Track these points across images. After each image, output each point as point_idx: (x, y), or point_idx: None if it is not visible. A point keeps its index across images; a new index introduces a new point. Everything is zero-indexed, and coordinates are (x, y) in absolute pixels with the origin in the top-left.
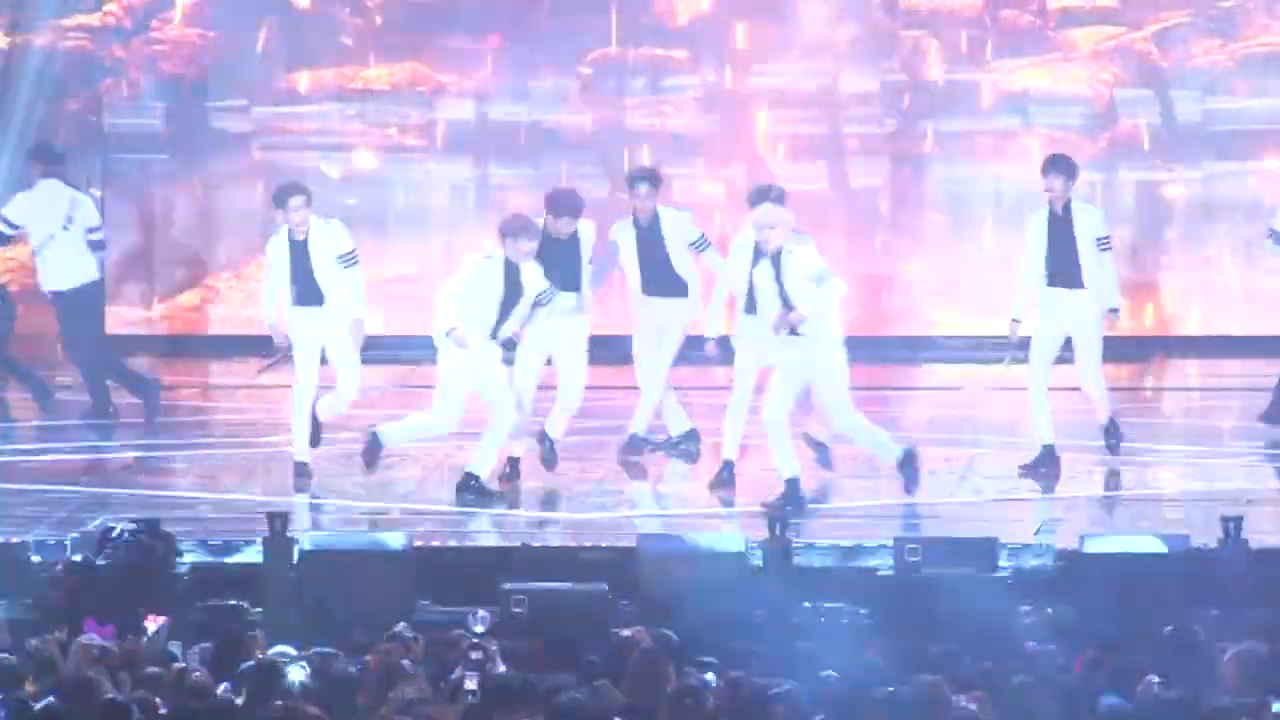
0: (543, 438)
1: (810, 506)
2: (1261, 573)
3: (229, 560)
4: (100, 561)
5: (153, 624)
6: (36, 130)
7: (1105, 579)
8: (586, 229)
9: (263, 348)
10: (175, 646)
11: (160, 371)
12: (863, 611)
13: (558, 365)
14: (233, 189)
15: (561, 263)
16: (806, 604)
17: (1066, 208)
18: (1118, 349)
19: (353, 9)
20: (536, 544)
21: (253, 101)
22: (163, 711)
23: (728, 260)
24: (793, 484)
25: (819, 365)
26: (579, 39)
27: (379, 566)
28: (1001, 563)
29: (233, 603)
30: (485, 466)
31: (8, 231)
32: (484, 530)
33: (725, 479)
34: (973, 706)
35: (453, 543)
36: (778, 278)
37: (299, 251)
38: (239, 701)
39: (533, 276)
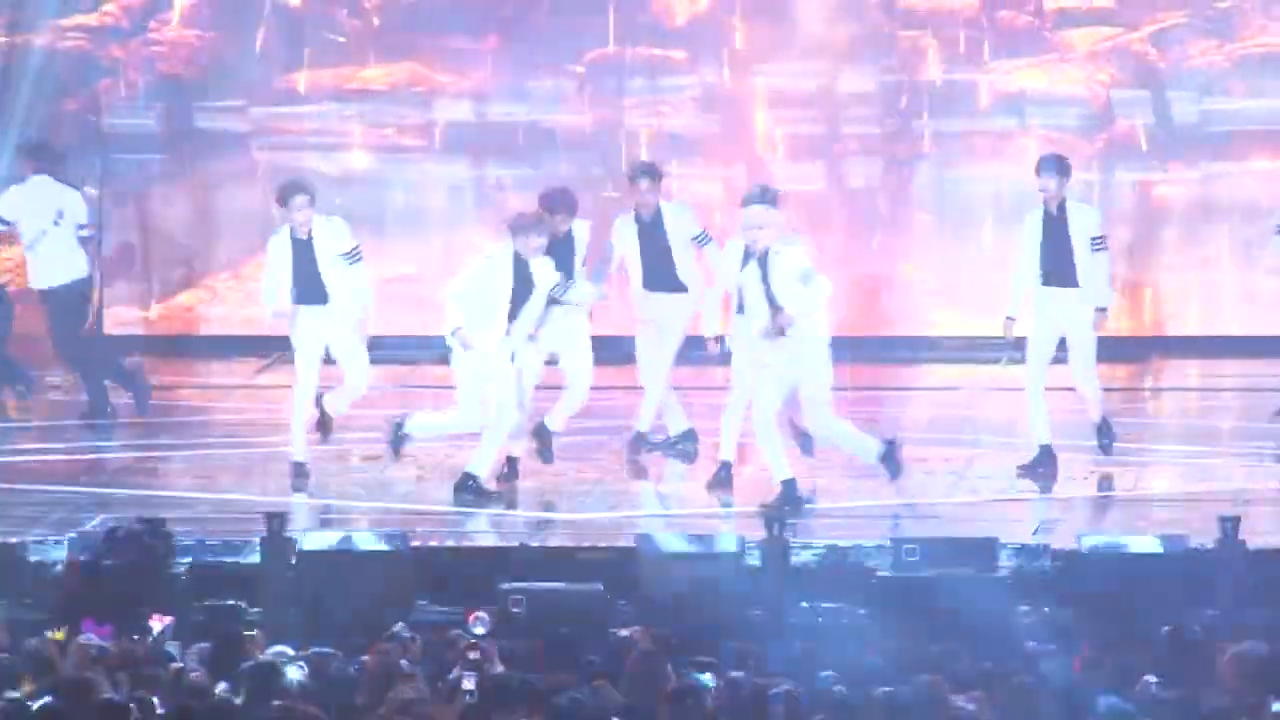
0: (541, 431)
1: (808, 507)
2: (1259, 573)
3: (227, 560)
4: (100, 561)
5: (158, 624)
6: (36, 130)
7: (1103, 579)
8: (581, 228)
9: (261, 348)
10: (173, 646)
11: (158, 372)
12: (861, 612)
13: (564, 365)
14: (231, 189)
15: (556, 262)
16: (804, 604)
17: (1061, 207)
18: (1116, 349)
19: (350, 9)
20: (535, 544)
21: (251, 102)
22: (161, 711)
23: (723, 261)
24: (788, 485)
25: (804, 366)
26: (577, 39)
27: (377, 566)
28: (1000, 563)
29: (231, 603)
30: (484, 466)
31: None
32: (482, 530)
33: (723, 479)
34: (971, 706)
35: (451, 543)
36: (764, 278)
37: (302, 250)
38: (237, 701)
39: (544, 271)
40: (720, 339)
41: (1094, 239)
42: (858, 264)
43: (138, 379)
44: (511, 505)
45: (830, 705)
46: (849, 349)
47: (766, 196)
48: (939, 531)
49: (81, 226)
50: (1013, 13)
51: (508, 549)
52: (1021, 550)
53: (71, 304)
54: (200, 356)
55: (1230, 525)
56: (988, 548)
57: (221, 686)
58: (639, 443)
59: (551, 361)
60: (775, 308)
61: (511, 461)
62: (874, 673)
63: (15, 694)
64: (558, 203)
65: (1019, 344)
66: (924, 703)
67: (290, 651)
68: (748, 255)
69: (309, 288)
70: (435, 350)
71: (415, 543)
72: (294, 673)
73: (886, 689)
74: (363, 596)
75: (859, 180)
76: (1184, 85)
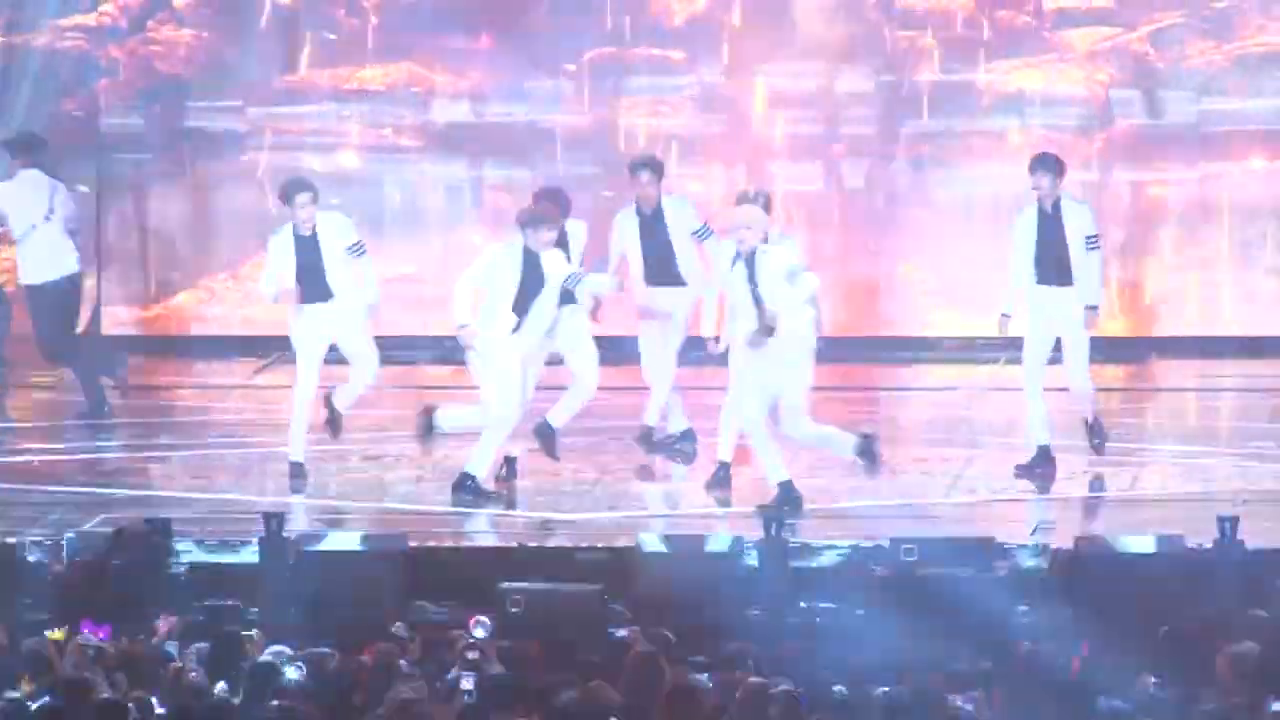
0: (544, 428)
1: (806, 507)
2: (1257, 573)
3: (225, 560)
4: (104, 561)
5: (164, 625)
6: (32, 127)
7: (1102, 579)
8: (577, 228)
9: (260, 348)
10: (172, 646)
11: (157, 372)
12: (860, 611)
13: (571, 364)
14: (228, 189)
15: None
16: (803, 604)
17: (1056, 205)
18: (1113, 349)
19: (348, 9)
20: (533, 544)
21: (248, 102)
22: (159, 711)
23: (717, 262)
24: (785, 486)
25: (787, 369)
26: (575, 39)
27: (375, 566)
28: (998, 563)
29: (229, 603)
30: (483, 466)
31: None
32: (480, 530)
33: (721, 479)
34: (970, 706)
35: (449, 543)
36: (751, 278)
37: (306, 247)
38: (236, 701)
39: (555, 264)
40: (719, 339)
41: (1089, 238)
42: (856, 264)
43: (100, 393)
44: (510, 505)
45: (829, 705)
46: (846, 349)
47: (760, 200)
48: (937, 531)
49: (66, 219)
50: (1011, 13)
51: (506, 549)
52: (1020, 550)
53: (59, 300)
54: (198, 356)
55: (1229, 525)
56: (986, 548)
57: (220, 686)
58: (647, 437)
59: (552, 362)
60: (761, 307)
61: (510, 461)
62: (873, 673)
63: (15, 694)
64: (551, 203)
65: (1015, 343)
66: (923, 703)
67: (289, 651)
68: (737, 256)
69: (313, 285)
70: (435, 350)
71: (413, 543)
72: (292, 673)
73: (885, 689)
74: (361, 596)
75: (857, 180)
76: (1182, 85)
